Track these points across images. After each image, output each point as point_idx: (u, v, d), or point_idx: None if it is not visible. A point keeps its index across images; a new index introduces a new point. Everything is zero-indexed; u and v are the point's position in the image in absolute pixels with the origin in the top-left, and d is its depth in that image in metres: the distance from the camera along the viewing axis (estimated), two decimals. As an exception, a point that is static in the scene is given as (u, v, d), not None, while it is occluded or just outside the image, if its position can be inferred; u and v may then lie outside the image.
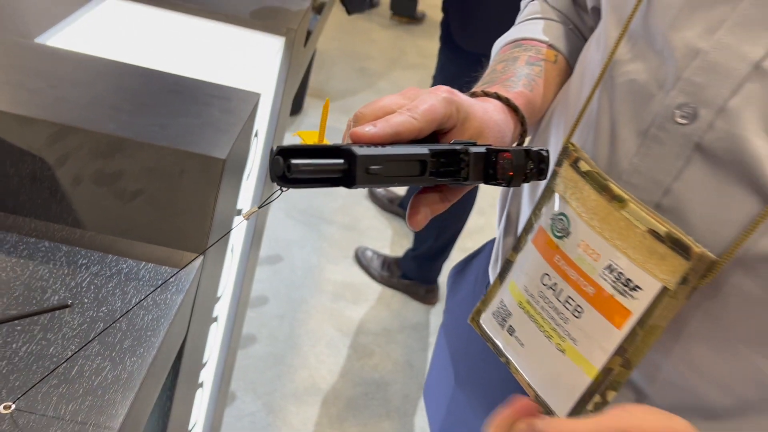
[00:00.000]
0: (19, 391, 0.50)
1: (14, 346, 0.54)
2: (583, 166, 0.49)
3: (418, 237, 2.09)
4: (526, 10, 0.74)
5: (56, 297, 0.59)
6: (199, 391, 0.96)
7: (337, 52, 3.67)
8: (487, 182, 0.46)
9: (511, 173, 0.45)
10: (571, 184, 0.49)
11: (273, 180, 0.44)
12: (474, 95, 0.56)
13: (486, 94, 0.55)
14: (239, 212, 0.94)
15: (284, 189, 0.44)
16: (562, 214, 0.49)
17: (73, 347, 0.55)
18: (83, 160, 0.67)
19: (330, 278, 2.12)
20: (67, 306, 0.50)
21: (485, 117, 0.49)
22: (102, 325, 0.58)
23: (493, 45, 0.72)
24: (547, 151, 0.48)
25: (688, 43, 0.45)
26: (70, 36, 0.88)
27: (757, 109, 0.42)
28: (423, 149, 0.43)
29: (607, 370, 0.46)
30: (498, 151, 0.46)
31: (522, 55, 0.65)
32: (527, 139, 0.61)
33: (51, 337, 0.55)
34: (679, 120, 0.45)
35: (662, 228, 0.44)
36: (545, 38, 0.67)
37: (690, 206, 0.45)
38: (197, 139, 0.69)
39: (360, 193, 2.46)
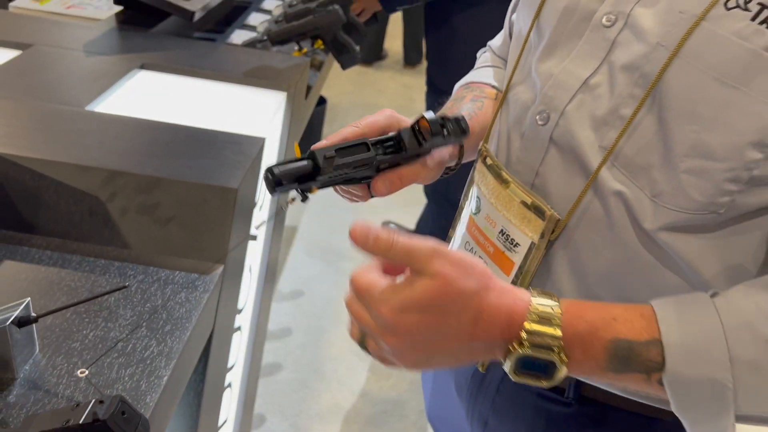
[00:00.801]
0: (90, 362, 0.68)
1: (84, 332, 0.72)
2: (488, 161, 0.68)
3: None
4: (480, 59, 0.94)
5: (113, 298, 0.78)
6: (227, 392, 1.13)
7: (349, 104, 3.90)
8: (421, 147, 0.63)
9: (433, 133, 0.62)
10: (481, 175, 0.69)
11: (269, 190, 0.63)
12: None
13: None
14: (254, 237, 1.13)
15: (275, 194, 0.62)
16: (477, 196, 0.68)
17: (127, 331, 0.73)
18: (128, 196, 0.86)
19: (348, 309, 2.28)
20: (125, 287, 0.67)
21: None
22: (148, 316, 0.76)
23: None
24: (462, 117, 0.65)
25: (547, 71, 0.64)
26: (113, 102, 1.09)
27: (584, 111, 0.60)
28: (363, 139, 0.62)
29: None
30: (418, 123, 0.63)
31: (468, 94, 0.84)
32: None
33: (110, 325, 0.74)
34: (539, 122, 0.64)
35: (529, 199, 0.63)
36: (489, 81, 0.86)
37: (550, 183, 0.63)
38: (215, 174, 0.88)
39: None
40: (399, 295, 0.51)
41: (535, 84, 0.65)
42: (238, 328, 1.12)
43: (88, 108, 1.03)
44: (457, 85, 0.91)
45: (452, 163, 0.73)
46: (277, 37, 1.44)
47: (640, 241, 0.59)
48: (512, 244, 0.65)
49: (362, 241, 0.52)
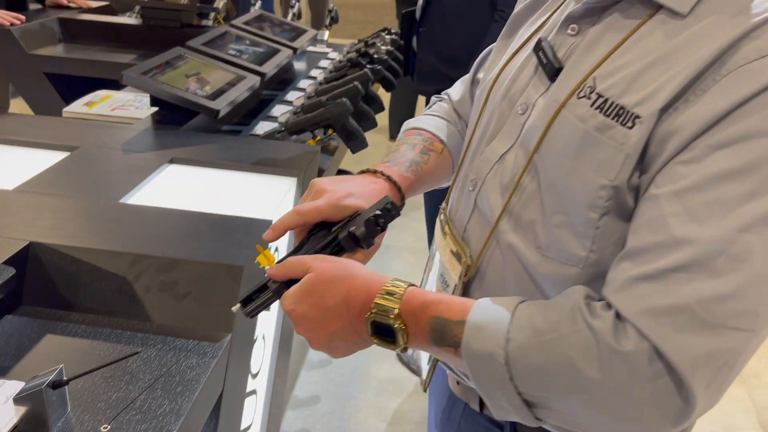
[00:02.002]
0: (111, 418, 0.81)
1: (108, 393, 0.85)
2: (442, 217, 0.84)
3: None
4: (434, 106, 1.05)
5: (134, 365, 0.91)
6: (245, 452, 1.23)
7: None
8: (361, 247, 0.76)
9: (365, 234, 0.74)
10: (437, 229, 0.83)
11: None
12: (367, 171, 0.87)
13: (376, 173, 0.86)
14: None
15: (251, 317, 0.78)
16: (436, 241, 0.83)
17: (144, 392, 0.86)
18: (151, 275, 1.00)
19: (375, 375, 2.37)
20: (137, 353, 0.80)
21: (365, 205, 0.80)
22: (164, 380, 0.89)
23: (405, 122, 1.02)
24: (391, 202, 0.77)
25: (477, 149, 0.79)
26: (143, 195, 1.25)
27: (496, 179, 0.74)
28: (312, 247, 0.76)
29: None
30: (354, 234, 0.74)
31: (420, 144, 0.95)
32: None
33: (131, 387, 0.86)
34: (470, 188, 0.78)
35: (455, 248, 0.78)
36: (441, 136, 0.97)
37: (472, 236, 0.77)
38: (225, 254, 1.02)
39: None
40: (295, 292, 0.70)
41: (475, 155, 0.80)
42: (253, 392, 1.23)
43: (122, 201, 1.20)
44: (408, 123, 1.00)
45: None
46: (293, 128, 1.61)
47: (534, 284, 0.71)
48: (445, 285, 0.81)
49: (272, 272, 0.74)
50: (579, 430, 0.64)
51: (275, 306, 1.38)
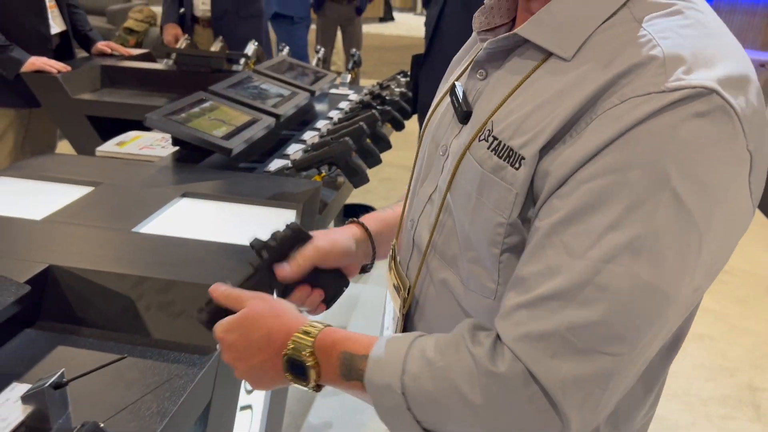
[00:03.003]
0: (107, 418, 0.92)
1: (105, 397, 0.97)
2: (391, 253, 0.91)
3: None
4: None
5: (131, 373, 1.02)
6: (241, 463, 1.33)
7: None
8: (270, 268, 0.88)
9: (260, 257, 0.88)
10: (386, 263, 0.92)
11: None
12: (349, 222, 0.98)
13: (354, 222, 0.97)
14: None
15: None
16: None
17: (137, 396, 0.97)
18: (151, 295, 1.12)
19: (387, 404, 2.43)
20: (124, 357, 0.91)
21: (331, 248, 0.90)
22: (155, 386, 1.00)
23: None
24: (292, 225, 0.90)
25: (414, 189, 0.85)
26: (154, 225, 1.39)
27: (425, 218, 0.80)
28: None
29: None
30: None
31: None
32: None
33: (126, 392, 0.98)
34: (409, 227, 0.84)
35: (396, 282, 0.85)
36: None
37: (411, 271, 0.83)
38: (218, 277, 1.13)
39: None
40: (226, 323, 0.79)
41: (413, 196, 0.87)
42: (249, 407, 1.33)
43: (134, 230, 1.33)
44: None
45: (367, 262, 0.96)
46: (301, 165, 1.74)
47: (465, 315, 0.75)
48: (392, 317, 0.89)
49: (216, 296, 0.84)
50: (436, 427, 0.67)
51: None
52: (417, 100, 2.52)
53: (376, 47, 8.90)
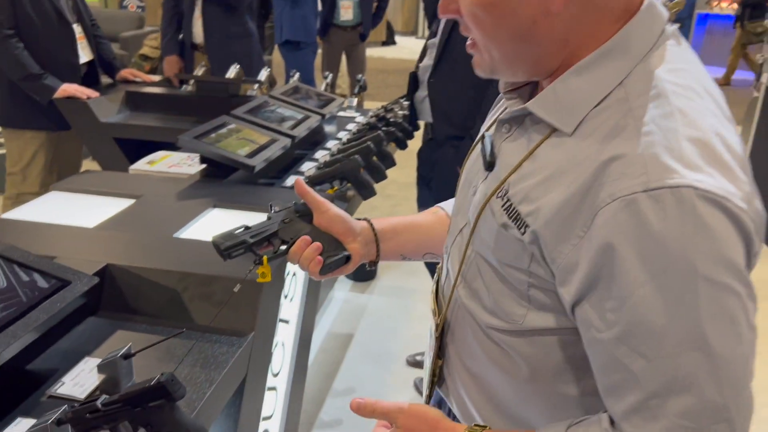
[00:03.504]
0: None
1: (161, 369, 1.16)
2: (435, 276, 1.01)
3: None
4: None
5: (181, 351, 1.22)
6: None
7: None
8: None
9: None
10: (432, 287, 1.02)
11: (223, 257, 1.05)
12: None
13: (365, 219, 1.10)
14: (285, 321, 1.56)
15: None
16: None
17: (188, 369, 1.17)
18: (194, 288, 1.33)
19: (393, 403, 2.62)
20: (182, 331, 1.11)
21: (341, 219, 1.04)
22: (202, 361, 1.20)
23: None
24: (297, 204, 1.07)
25: (452, 221, 0.94)
26: (191, 231, 1.59)
27: (455, 248, 0.89)
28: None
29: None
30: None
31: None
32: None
33: (180, 366, 1.18)
34: (445, 255, 0.93)
35: (433, 306, 0.95)
36: (444, 205, 1.17)
37: (445, 296, 0.91)
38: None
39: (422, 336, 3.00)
40: None
41: (450, 226, 0.95)
42: (274, 388, 1.53)
43: (174, 235, 1.54)
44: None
45: (369, 260, 1.08)
46: (315, 180, 1.95)
47: (489, 340, 0.83)
48: (430, 335, 0.96)
49: (359, 410, 0.87)
50: None
51: (294, 320, 1.69)
52: (415, 118, 2.73)
53: (380, 70, 9.17)
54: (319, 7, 5.39)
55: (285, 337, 1.58)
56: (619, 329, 0.67)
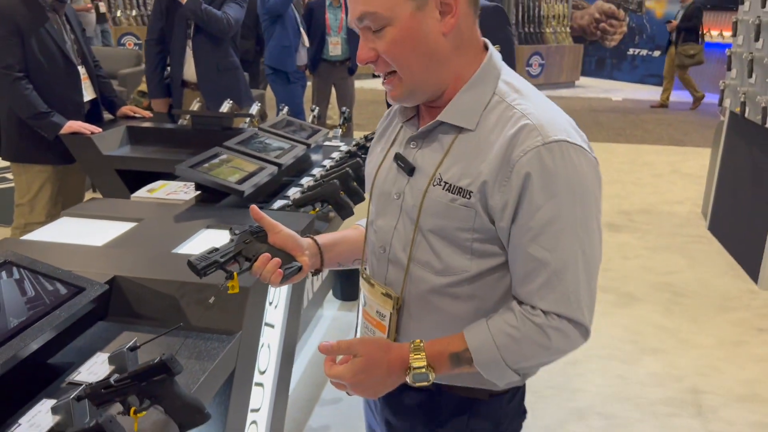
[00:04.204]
0: (164, 372, 1.33)
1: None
2: (364, 275, 1.25)
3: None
4: None
5: (178, 347, 1.43)
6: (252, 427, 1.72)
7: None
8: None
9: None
10: (362, 284, 1.25)
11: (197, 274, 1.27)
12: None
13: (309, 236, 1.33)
14: (270, 325, 1.77)
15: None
16: (363, 296, 1.27)
17: (184, 360, 1.37)
18: (190, 295, 1.54)
19: (377, 410, 2.80)
20: (180, 326, 1.32)
21: (292, 237, 1.25)
22: (196, 354, 1.40)
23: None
24: (248, 229, 1.28)
25: (371, 227, 1.21)
26: (188, 247, 1.81)
27: (397, 239, 1.14)
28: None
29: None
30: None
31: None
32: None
33: (177, 359, 1.38)
34: (381, 251, 1.16)
35: (384, 291, 1.18)
36: (359, 222, 1.40)
37: (393, 282, 1.15)
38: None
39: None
40: (351, 369, 1.08)
41: (375, 231, 1.21)
42: (261, 384, 1.73)
43: (173, 251, 1.75)
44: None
45: (315, 269, 1.28)
46: (298, 203, 2.18)
47: (437, 299, 1.11)
48: (381, 316, 1.18)
49: (326, 350, 1.10)
50: (537, 369, 1.14)
51: (279, 325, 1.90)
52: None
53: (370, 101, 9.46)
54: (307, 43, 5.67)
55: (271, 340, 1.79)
56: (532, 234, 1.02)
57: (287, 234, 1.25)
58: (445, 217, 1.07)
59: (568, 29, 11.87)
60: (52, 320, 1.27)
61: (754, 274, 3.99)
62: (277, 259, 1.20)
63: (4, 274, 1.35)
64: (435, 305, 1.13)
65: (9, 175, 5.79)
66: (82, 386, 1.14)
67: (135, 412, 1.14)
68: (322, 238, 1.32)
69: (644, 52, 12.30)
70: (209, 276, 1.27)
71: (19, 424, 1.16)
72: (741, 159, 4.35)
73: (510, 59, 2.73)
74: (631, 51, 12.49)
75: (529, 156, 1.00)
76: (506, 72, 1.12)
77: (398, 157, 1.15)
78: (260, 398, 1.75)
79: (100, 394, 1.13)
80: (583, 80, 12.30)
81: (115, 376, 1.14)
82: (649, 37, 12.19)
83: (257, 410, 1.74)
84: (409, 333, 1.17)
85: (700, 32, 9.24)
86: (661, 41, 11.89)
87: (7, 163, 3.30)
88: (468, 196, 1.04)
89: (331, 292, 3.56)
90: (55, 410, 1.12)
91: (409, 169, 1.12)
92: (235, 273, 1.26)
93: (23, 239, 1.83)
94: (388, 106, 1.37)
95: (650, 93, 11.21)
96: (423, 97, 1.11)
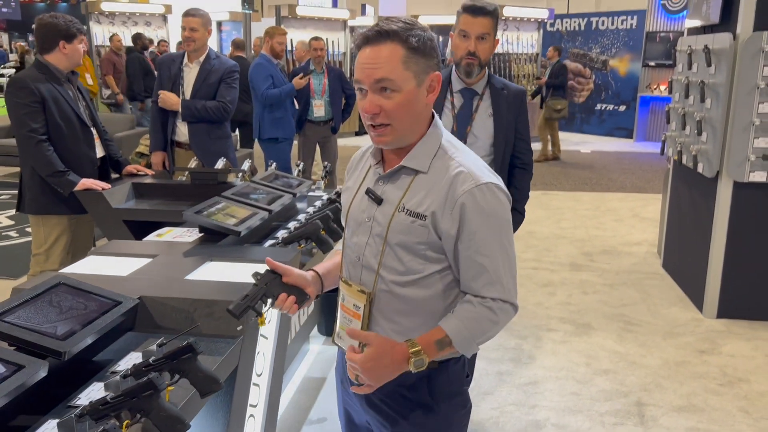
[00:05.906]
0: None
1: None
2: (343, 278, 1.67)
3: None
4: None
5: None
6: (250, 421, 2.08)
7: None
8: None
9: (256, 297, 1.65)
10: (341, 285, 1.66)
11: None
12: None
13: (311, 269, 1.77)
14: (264, 336, 2.16)
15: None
16: (342, 293, 1.67)
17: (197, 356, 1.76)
18: (201, 309, 1.94)
19: (358, 427, 3.15)
20: (197, 326, 1.70)
21: (300, 275, 1.69)
22: (206, 352, 1.79)
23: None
24: (263, 273, 1.70)
25: (347, 243, 1.64)
26: (197, 274, 2.21)
27: (369, 251, 1.54)
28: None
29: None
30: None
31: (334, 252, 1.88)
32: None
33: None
34: (356, 259, 1.61)
35: (359, 288, 1.59)
36: (337, 248, 1.87)
37: (366, 282, 1.56)
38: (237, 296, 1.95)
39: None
40: (364, 358, 1.42)
41: (350, 247, 1.64)
42: (258, 384, 2.11)
43: (185, 278, 2.16)
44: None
45: (319, 292, 1.71)
46: (286, 241, 2.60)
47: (401, 297, 1.50)
48: (357, 308, 1.59)
49: (353, 335, 1.49)
50: (486, 341, 1.50)
51: (271, 336, 2.28)
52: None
53: (351, 157, 9.96)
54: (296, 105, 6.18)
55: (265, 349, 2.17)
56: (474, 248, 1.44)
57: (298, 274, 1.66)
58: (408, 233, 1.46)
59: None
60: (101, 322, 1.67)
61: (699, 304, 4.42)
62: (293, 297, 1.62)
63: (60, 291, 1.75)
64: (396, 296, 1.52)
65: (13, 233, 6.17)
66: (81, 407, 1.46)
67: (127, 426, 1.40)
68: (320, 269, 1.73)
69: (611, 106, 13.01)
70: (221, 292, 1.66)
71: None
72: (684, 201, 4.84)
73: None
74: (598, 106, 13.21)
75: (467, 194, 1.42)
76: (445, 132, 1.54)
77: (369, 191, 1.54)
78: (257, 396, 2.12)
79: (98, 410, 1.40)
80: (556, 134, 12.92)
81: (110, 394, 1.43)
82: (614, 93, 12.93)
83: (255, 406, 2.11)
84: (376, 319, 1.56)
85: (565, 88, 9.98)
86: (626, 97, 12.63)
87: (10, 222, 3.67)
88: (423, 219, 1.45)
89: (316, 327, 3.93)
90: (60, 426, 1.39)
91: (378, 200, 1.52)
92: (263, 313, 1.65)
93: (64, 271, 2.22)
94: None
95: (618, 145, 11.86)
96: (401, 144, 1.49)
